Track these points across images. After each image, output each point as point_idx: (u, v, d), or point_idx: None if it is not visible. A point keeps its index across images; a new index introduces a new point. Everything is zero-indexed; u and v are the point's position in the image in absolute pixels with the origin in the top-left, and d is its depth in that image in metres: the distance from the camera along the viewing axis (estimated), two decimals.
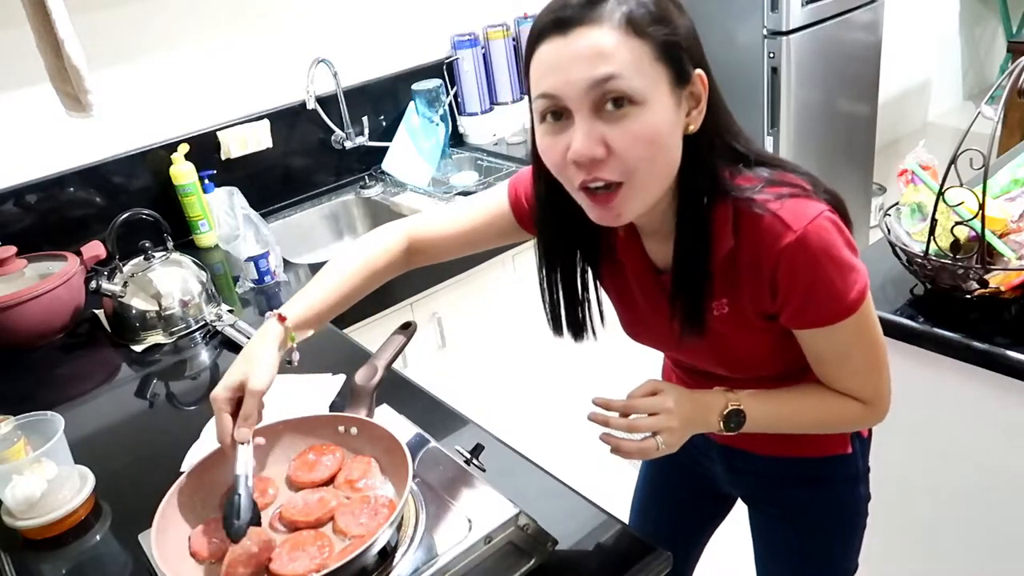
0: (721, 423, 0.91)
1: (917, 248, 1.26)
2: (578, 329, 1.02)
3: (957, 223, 1.19)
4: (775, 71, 2.48)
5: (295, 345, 0.97)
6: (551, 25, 0.77)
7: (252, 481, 0.86)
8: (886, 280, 1.39)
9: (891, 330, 1.32)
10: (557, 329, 1.02)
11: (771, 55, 2.47)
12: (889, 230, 1.33)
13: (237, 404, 0.90)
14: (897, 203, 1.38)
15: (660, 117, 0.78)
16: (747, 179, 0.86)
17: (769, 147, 2.60)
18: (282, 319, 0.96)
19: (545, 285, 1.00)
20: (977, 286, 1.22)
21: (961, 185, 1.24)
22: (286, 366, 0.97)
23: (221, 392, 0.90)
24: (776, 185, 0.86)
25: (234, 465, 0.87)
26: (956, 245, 1.21)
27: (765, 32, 2.45)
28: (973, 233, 1.19)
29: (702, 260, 0.87)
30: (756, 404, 0.93)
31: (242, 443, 0.88)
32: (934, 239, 1.21)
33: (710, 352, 0.97)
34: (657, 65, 0.77)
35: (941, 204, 1.19)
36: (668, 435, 0.87)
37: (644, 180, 0.80)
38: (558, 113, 0.79)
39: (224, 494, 0.91)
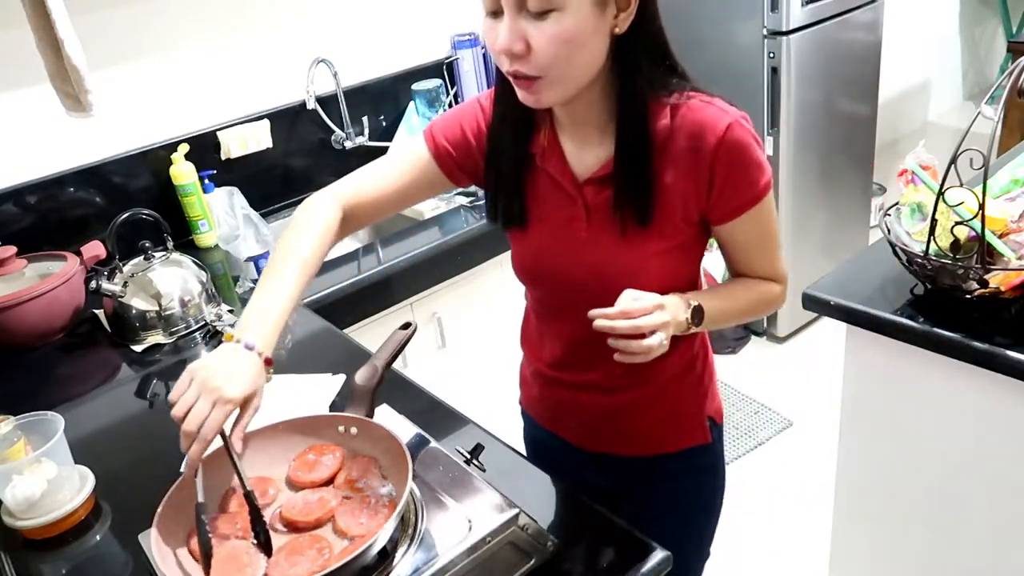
0: (689, 319, 0.98)
1: (917, 248, 1.26)
2: (510, 217, 1.06)
3: (957, 223, 1.19)
4: (775, 71, 2.48)
5: (271, 376, 0.96)
6: None
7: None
8: (886, 280, 1.39)
9: (891, 330, 1.32)
10: (491, 215, 1.08)
11: (771, 55, 2.46)
12: (889, 230, 1.33)
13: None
14: (897, 203, 1.38)
15: (578, 20, 0.85)
16: (678, 82, 0.96)
17: (769, 148, 2.60)
18: (269, 363, 0.92)
19: (489, 170, 1.06)
20: (977, 286, 1.22)
21: (961, 185, 1.24)
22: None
23: (240, 397, 0.87)
24: (703, 90, 0.98)
25: (200, 485, 0.86)
26: (956, 245, 1.20)
27: (765, 32, 2.45)
28: (973, 233, 1.19)
29: (643, 139, 0.94)
30: (705, 300, 1.01)
31: (240, 455, 0.88)
32: (934, 239, 1.21)
33: (613, 269, 1.00)
34: None
35: (941, 204, 1.18)
36: (664, 330, 0.93)
37: (561, 75, 0.89)
38: (495, 10, 0.88)
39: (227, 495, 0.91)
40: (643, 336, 0.92)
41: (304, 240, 1.02)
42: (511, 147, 1.03)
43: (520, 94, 0.92)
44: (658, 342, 0.92)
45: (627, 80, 0.93)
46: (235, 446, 0.87)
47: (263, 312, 0.94)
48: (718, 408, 1.22)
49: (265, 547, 0.84)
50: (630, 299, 0.92)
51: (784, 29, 2.41)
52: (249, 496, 0.86)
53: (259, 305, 0.95)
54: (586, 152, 1.00)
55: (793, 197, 2.65)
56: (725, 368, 2.70)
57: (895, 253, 1.30)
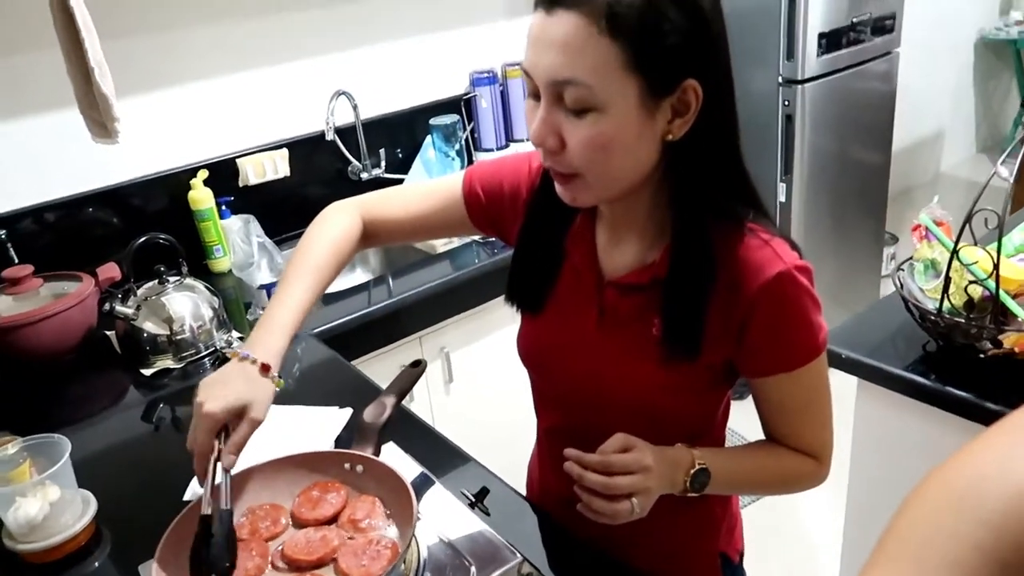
0: (687, 482, 0.86)
1: (930, 305, 1.26)
2: (525, 302, 0.98)
3: (971, 282, 1.19)
4: (789, 119, 2.50)
5: (280, 383, 0.93)
6: None
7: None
8: (897, 335, 1.39)
9: (901, 386, 1.31)
10: (509, 294, 1.00)
11: (786, 103, 2.49)
12: (902, 285, 1.33)
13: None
14: (911, 258, 1.38)
15: (619, 124, 0.75)
16: (739, 207, 0.85)
17: (782, 194, 2.61)
18: (266, 368, 0.90)
19: (519, 246, 0.98)
20: (991, 346, 1.21)
21: (975, 243, 1.24)
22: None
23: (220, 411, 0.84)
24: (765, 224, 0.86)
25: (206, 497, 0.85)
26: (970, 304, 1.20)
27: (780, 80, 2.48)
28: (987, 293, 1.19)
29: (701, 269, 0.83)
30: (718, 462, 0.88)
31: (227, 470, 0.86)
32: (948, 297, 1.21)
33: (613, 383, 0.91)
34: (627, 73, 0.73)
35: (955, 262, 1.19)
36: (644, 497, 0.82)
37: (598, 178, 0.80)
38: (534, 93, 0.79)
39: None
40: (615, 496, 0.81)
41: (320, 246, 1.01)
42: (546, 231, 0.95)
43: (558, 189, 0.84)
44: (629, 509, 0.81)
45: (681, 194, 0.83)
46: (227, 459, 0.86)
47: (268, 323, 0.93)
48: (737, 545, 1.09)
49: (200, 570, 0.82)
50: (615, 447, 0.82)
51: (799, 78, 2.44)
52: (223, 515, 0.85)
53: (266, 317, 0.94)
54: (619, 252, 0.91)
55: (804, 244, 2.61)
56: (742, 417, 2.71)
57: (908, 309, 1.30)
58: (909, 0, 2.73)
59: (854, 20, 2.53)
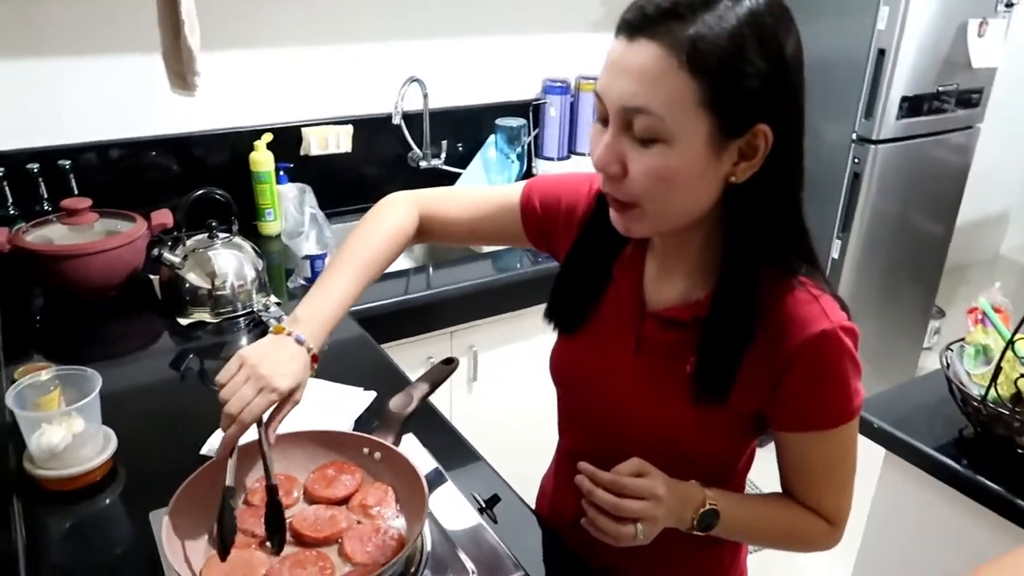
0: (695, 520, 0.85)
1: (975, 391, 1.23)
2: (565, 318, 0.98)
3: (1022, 375, 1.16)
4: (857, 176, 2.46)
5: (314, 373, 0.93)
6: (626, 24, 0.75)
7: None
8: (935, 415, 1.36)
9: (930, 466, 1.28)
10: (550, 312, 0.99)
11: (856, 160, 2.45)
12: (948, 365, 1.30)
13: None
14: (962, 340, 1.35)
15: (685, 159, 0.74)
16: (792, 259, 0.84)
17: (836, 251, 2.57)
18: (315, 359, 0.92)
19: (566, 267, 0.98)
20: None
21: None
22: None
23: (287, 389, 0.86)
24: (817, 280, 0.85)
25: (231, 470, 0.86)
26: (1018, 397, 1.17)
27: (855, 137, 2.43)
28: None
29: (744, 316, 0.82)
30: (729, 506, 0.87)
31: (271, 445, 0.87)
32: (995, 386, 1.18)
33: (640, 417, 0.90)
34: (701, 110, 0.72)
35: (1009, 353, 1.16)
36: (650, 525, 0.81)
37: (657, 211, 0.79)
38: (603, 116, 0.78)
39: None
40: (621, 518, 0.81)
41: (375, 239, 1.02)
42: (596, 253, 0.95)
43: (613, 216, 0.83)
44: (632, 533, 0.80)
45: (736, 237, 0.82)
46: (268, 438, 0.87)
47: (318, 308, 0.94)
48: None
49: (278, 545, 0.84)
50: (630, 471, 0.83)
51: (874, 138, 2.40)
52: (271, 490, 0.86)
53: (315, 300, 0.94)
54: (665, 286, 0.90)
55: (851, 304, 2.57)
56: (762, 468, 2.68)
57: (951, 390, 1.27)
58: (999, 77, 2.67)
59: (939, 89, 2.48)
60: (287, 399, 0.88)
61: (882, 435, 1.34)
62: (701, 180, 0.77)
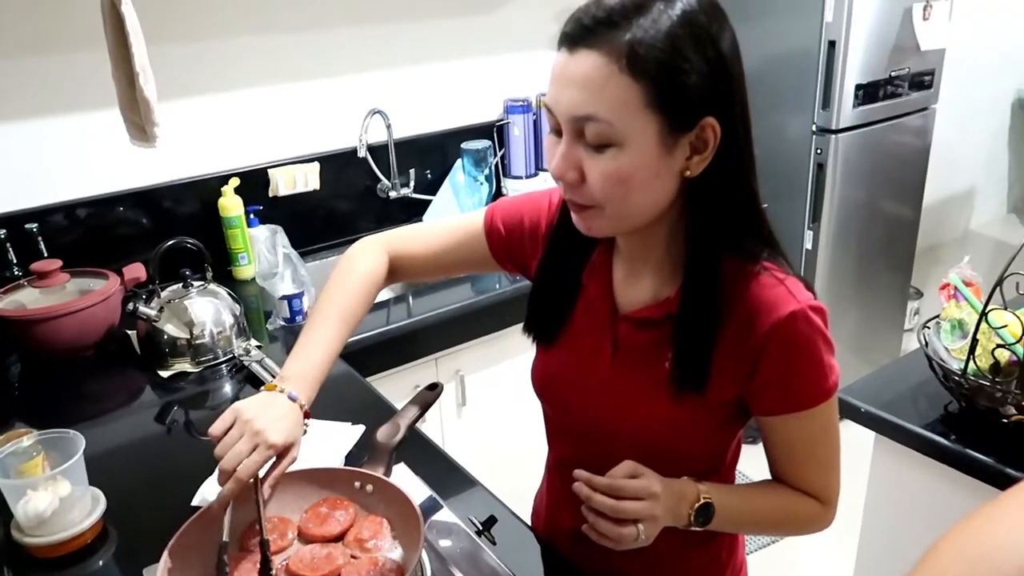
0: (692, 515, 0.86)
1: (955, 365, 1.24)
2: (541, 335, 0.99)
3: (999, 346, 1.17)
4: (821, 167, 2.49)
5: (306, 429, 0.95)
6: (565, 37, 0.77)
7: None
8: (919, 393, 1.37)
9: (920, 444, 1.29)
10: (528, 325, 1.01)
11: (818, 151, 2.48)
12: (927, 343, 1.31)
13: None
14: (937, 316, 1.37)
15: (638, 159, 0.76)
16: (754, 245, 0.86)
17: (808, 242, 2.60)
18: (307, 415, 0.93)
19: (538, 281, 0.99)
20: (1014, 411, 1.19)
21: (1005, 307, 1.23)
22: None
23: (282, 445, 0.87)
24: (781, 263, 0.86)
25: (227, 525, 0.86)
26: (996, 367, 1.19)
27: (815, 128, 2.47)
28: (1015, 357, 1.17)
29: (713, 305, 0.84)
30: (723, 498, 0.88)
31: (266, 502, 0.87)
32: (974, 359, 1.20)
33: (625, 417, 0.91)
34: (647, 111, 0.74)
35: (983, 325, 1.17)
36: (650, 525, 0.82)
37: (616, 211, 0.80)
38: (556, 128, 0.80)
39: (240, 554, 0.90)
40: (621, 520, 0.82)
41: (350, 289, 1.03)
42: (564, 264, 0.96)
43: (574, 218, 0.85)
44: (634, 534, 0.81)
45: (698, 229, 0.84)
46: (264, 493, 0.87)
47: (305, 363, 0.95)
48: None
49: None
50: (624, 472, 0.83)
51: (834, 127, 2.44)
52: (263, 545, 0.85)
53: (301, 356, 0.96)
54: (634, 287, 0.92)
55: (828, 294, 2.63)
56: (747, 458, 2.69)
57: (932, 367, 1.29)
58: (949, 57, 2.73)
59: (892, 74, 2.53)
60: (283, 455, 0.88)
61: (870, 419, 1.35)
62: (657, 178, 0.79)
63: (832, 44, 2.36)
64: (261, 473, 0.88)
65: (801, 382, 0.85)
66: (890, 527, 1.43)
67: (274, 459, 0.88)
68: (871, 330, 2.93)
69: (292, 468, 0.97)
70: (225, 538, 0.85)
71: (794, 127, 2.52)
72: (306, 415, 0.92)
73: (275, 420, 0.87)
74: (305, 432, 0.93)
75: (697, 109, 0.76)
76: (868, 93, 2.47)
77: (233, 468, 0.84)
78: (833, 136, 2.45)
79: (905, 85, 2.60)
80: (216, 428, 0.88)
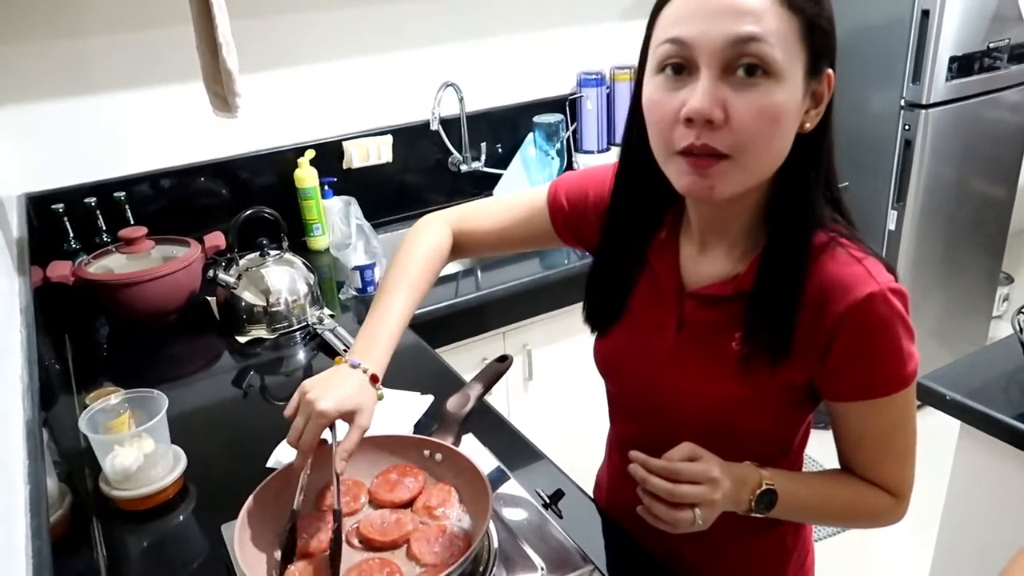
0: (752, 502, 0.83)
1: None
2: (602, 316, 0.97)
3: None
4: (908, 144, 2.38)
5: (382, 395, 0.95)
6: None
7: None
8: (1011, 381, 1.30)
9: (1009, 435, 1.23)
10: (589, 315, 0.99)
11: (907, 127, 2.37)
12: (1022, 329, 1.24)
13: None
14: None
15: (789, 98, 0.73)
16: (831, 220, 0.83)
17: (892, 222, 2.49)
18: (375, 379, 0.93)
19: (598, 262, 0.97)
20: None
21: None
22: None
23: (333, 411, 0.86)
24: (860, 241, 0.83)
25: (299, 494, 0.87)
26: None
27: (903, 104, 2.36)
28: None
29: (794, 283, 0.80)
30: (787, 485, 0.85)
31: (340, 474, 0.88)
32: None
33: (689, 397, 0.89)
34: (801, 44, 0.74)
35: None
36: (707, 510, 0.79)
37: (753, 160, 0.75)
38: (680, 66, 0.75)
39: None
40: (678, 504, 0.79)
41: (416, 262, 1.04)
42: (628, 240, 0.93)
43: (687, 181, 0.77)
44: (690, 519, 0.78)
45: (789, 200, 0.81)
46: (340, 465, 0.87)
47: (372, 333, 0.96)
48: None
49: (333, 568, 0.85)
50: (682, 455, 0.81)
51: (924, 102, 2.32)
52: (336, 515, 0.87)
53: (369, 327, 0.97)
54: (704, 263, 0.89)
55: (912, 276, 2.52)
56: (820, 444, 2.63)
57: None
58: None
59: (990, 45, 2.39)
60: (352, 425, 0.89)
61: (956, 407, 1.29)
62: (794, 123, 0.76)
63: (925, 13, 2.24)
64: (332, 441, 0.89)
65: (877, 368, 0.80)
66: (973, 522, 1.37)
67: (349, 429, 0.89)
68: (956, 316, 2.79)
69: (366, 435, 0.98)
70: (296, 506, 0.87)
71: (880, 102, 2.41)
72: (374, 379, 0.92)
73: (329, 390, 0.88)
74: (381, 398, 0.93)
75: (824, 56, 0.76)
76: (963, 66, 2.34)
77: (295, 442, 0.87)
78: (923, 111, 2.33)
79: (1004, 57, 2.45)
80: (288, 409, 0.90)
